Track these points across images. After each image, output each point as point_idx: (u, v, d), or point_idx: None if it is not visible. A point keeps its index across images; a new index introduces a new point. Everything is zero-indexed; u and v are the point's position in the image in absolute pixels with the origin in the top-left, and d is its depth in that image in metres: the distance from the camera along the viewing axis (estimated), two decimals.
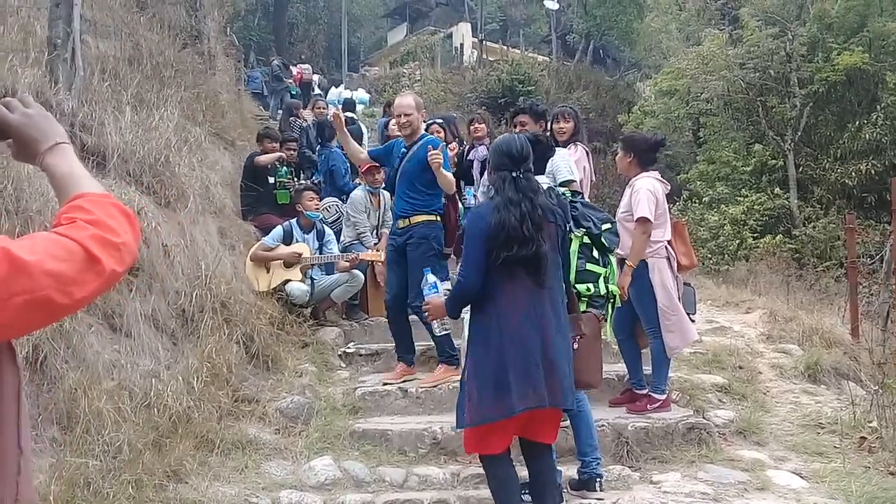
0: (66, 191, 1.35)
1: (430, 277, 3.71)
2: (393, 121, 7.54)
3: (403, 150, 5.37)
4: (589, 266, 3.97)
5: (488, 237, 3.12)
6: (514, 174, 3.24)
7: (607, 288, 4.04)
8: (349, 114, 13.32)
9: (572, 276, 3.84)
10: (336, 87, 21.15)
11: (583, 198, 4.46)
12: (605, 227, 4.03)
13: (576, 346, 3.45)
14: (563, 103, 8.62)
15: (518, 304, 3.13)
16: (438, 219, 5.37)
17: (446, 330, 4.39)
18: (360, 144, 10.36)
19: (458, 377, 4.95)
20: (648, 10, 21.30)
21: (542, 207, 3.22)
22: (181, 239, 5.51)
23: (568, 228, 3.81)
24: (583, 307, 3.91)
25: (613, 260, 4.19)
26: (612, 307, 4.23)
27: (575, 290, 3.84)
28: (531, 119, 5.24)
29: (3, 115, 1.38)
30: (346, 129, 5.70)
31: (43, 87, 5.32)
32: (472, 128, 7.47)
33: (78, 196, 1.32)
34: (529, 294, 3.14)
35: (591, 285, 3.94)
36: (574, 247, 3.90)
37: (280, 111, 17.26)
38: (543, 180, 3.84)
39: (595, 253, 4.00)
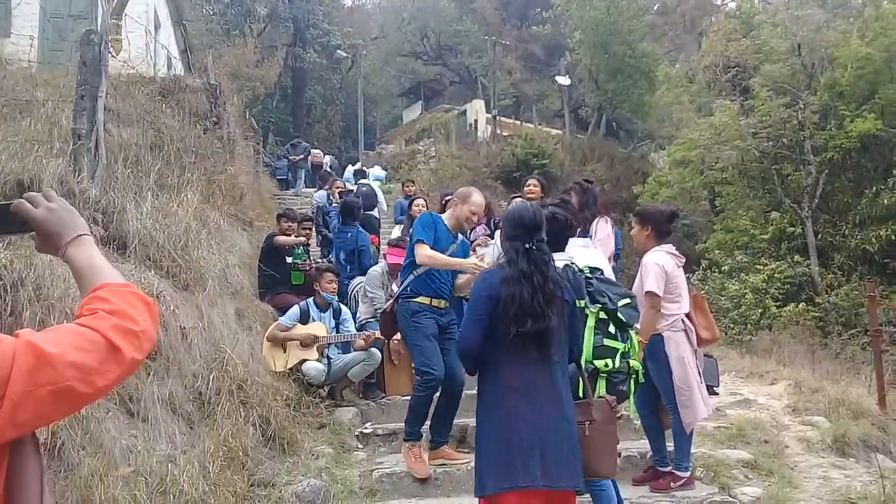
0: (88, 281, 1.40)
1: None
2: (420, 201, 9.06)
3: (451, 237, 5.25)
4: (606, 341, 3.91)
5: (496, 305, 3.10)
6: (526, 245, 3.20)
7: (628, 363, 3.98)
8: (363, 180, 13.66)
9: (589, 352, 3.79)
10: (353, 164, 21.51)
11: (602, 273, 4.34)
12: (622, 302, 3.98)
13: (587, 433, 3.36)
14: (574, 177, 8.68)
15: (523, 377, 3.09)
16: None
17: None
18: (376, 207, 11.29)
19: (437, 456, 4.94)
20: (659, 84, 21.60)
21: (553, 281, 3.21)
22: (199, 321, 5.54)
23: (584, 304, 3.80)
24: (602, 384, 3.85)
25: (634, 335, 4.13)
26: (635, 383, 4.16)
27: (593, 367, 3.79)
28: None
29: (26, 210, 1.44)
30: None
31: (67, 176, 5.47)
32: None
33: (99, 287, 1.37)
34: (535, 368, 3.10)
35: (609, 361, 3.89)
36: (591, 322, 3.86)
37: (298, 181, 17.99)
38: (563, 258, 3.85)
39: (612, 328, 3.96)
